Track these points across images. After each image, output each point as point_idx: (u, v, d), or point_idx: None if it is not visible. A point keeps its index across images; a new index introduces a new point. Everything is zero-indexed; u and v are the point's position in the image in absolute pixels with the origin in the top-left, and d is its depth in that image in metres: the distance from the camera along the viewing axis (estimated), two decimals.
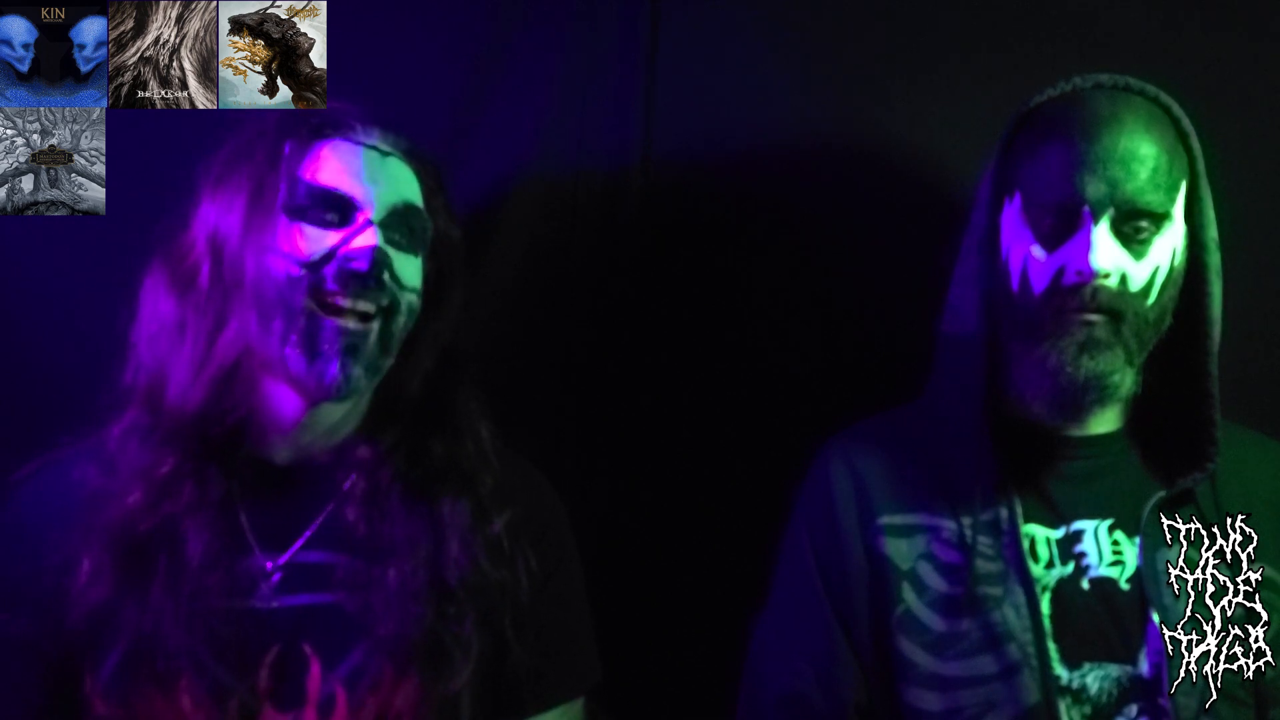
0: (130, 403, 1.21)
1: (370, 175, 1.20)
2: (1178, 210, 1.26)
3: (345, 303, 1.16)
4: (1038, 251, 1.25)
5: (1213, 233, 1.29)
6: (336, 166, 1.19)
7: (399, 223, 1.21)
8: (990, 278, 1.30)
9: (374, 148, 1.21)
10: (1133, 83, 1.27)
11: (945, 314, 1.37)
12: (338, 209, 1.18)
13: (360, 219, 1.18)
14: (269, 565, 1.19)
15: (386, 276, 1.18)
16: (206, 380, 1.17)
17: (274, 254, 1.16)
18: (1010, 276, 1.28)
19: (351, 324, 1.17)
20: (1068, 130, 1.24)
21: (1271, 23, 1.58)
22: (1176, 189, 1.25)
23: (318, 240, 1.17)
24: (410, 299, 1.22)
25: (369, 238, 1.17)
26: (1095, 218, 1.22)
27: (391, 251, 1.19)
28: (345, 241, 1.17)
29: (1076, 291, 1.22)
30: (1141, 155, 1.22)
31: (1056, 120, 1.26)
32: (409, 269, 1.22)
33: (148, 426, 1.19)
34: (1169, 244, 1.25)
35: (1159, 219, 1.23)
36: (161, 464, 1.17)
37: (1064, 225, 1.23)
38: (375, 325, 1.18)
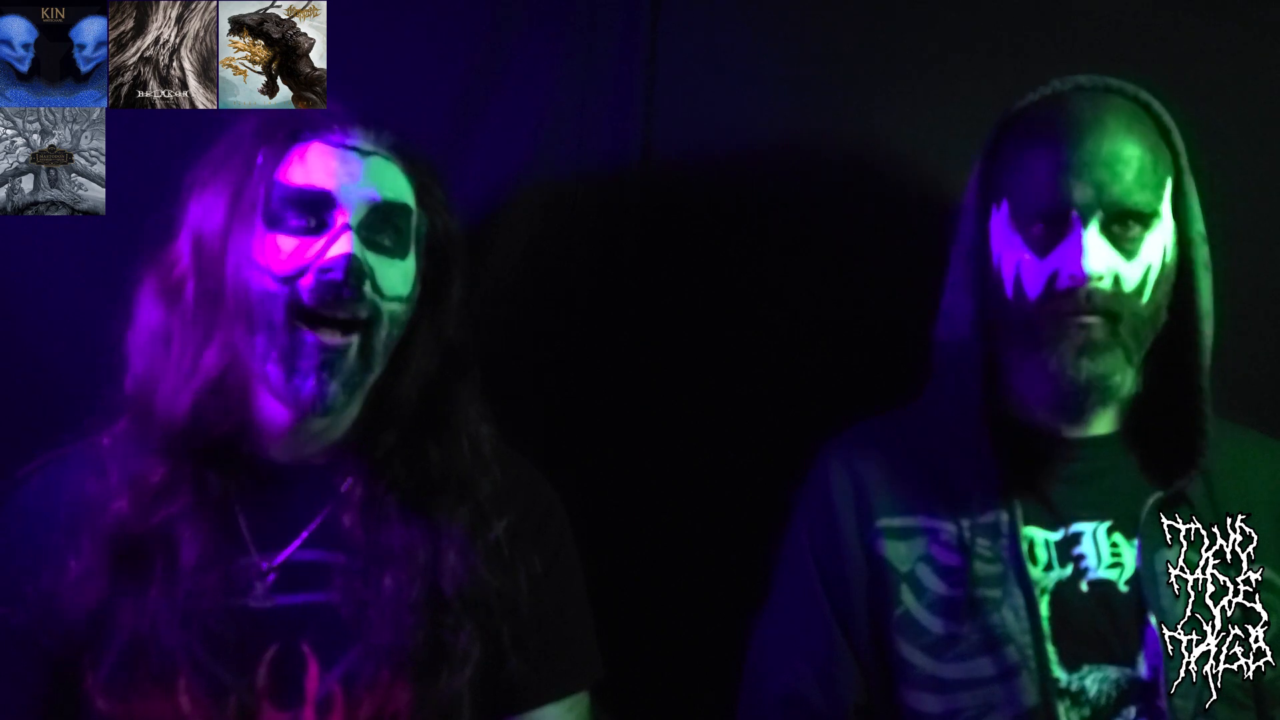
0: (124, 409, 1.21)
1: (348, 174, 1.17)
2: (1165, 208, 1.26)
3: (324, 313, 1.14)
4: (1029, 258, 1.25)
5: (1199, 227, 1.29)
6: (311, 166, 1.17)
7: (382, 223, 1.18)
8: (982, 285, 1.30)
9: (354, 148, 1.19)
10: (1112, 83, 1.28)
11: (939, 320, 1.37)
12: (313, 211, 1.16)
13: (337, 222, 1.15)
14: (264, 565, 1.18)
15: (367, 287, 1.15)
16: (192, 393, 1.16)
17: (251, 268, 1.15)
18: (1004, 283, 1.28)
19: (330, 339, 1.15)
20: (1051, 135, 1.25)
21: (1270, 22, 1.57)
22: (1163, 187, 1.25)
23: (293, 252, 1.15)
24: (394, 309, 1.19)
25: (344, 244, 1.14)
26: (1084, 221, 1.22)
27: (373, 258, 1.17)
28: (321, 252, 1.14)
29: (1071, 295, 1.22)
30: (1126, 157, 1.22)
31: (1039, 126, 1.27)
32: (393, 275, 1.19)
33: (140, 433, 1.19)
34: (1159, 242, 1.25)
35: (1147, 218, 1.24)
36: (152, 473, 1.17)
37: (1054, 230, 1.24)
38: (355, 339, 1.16)
